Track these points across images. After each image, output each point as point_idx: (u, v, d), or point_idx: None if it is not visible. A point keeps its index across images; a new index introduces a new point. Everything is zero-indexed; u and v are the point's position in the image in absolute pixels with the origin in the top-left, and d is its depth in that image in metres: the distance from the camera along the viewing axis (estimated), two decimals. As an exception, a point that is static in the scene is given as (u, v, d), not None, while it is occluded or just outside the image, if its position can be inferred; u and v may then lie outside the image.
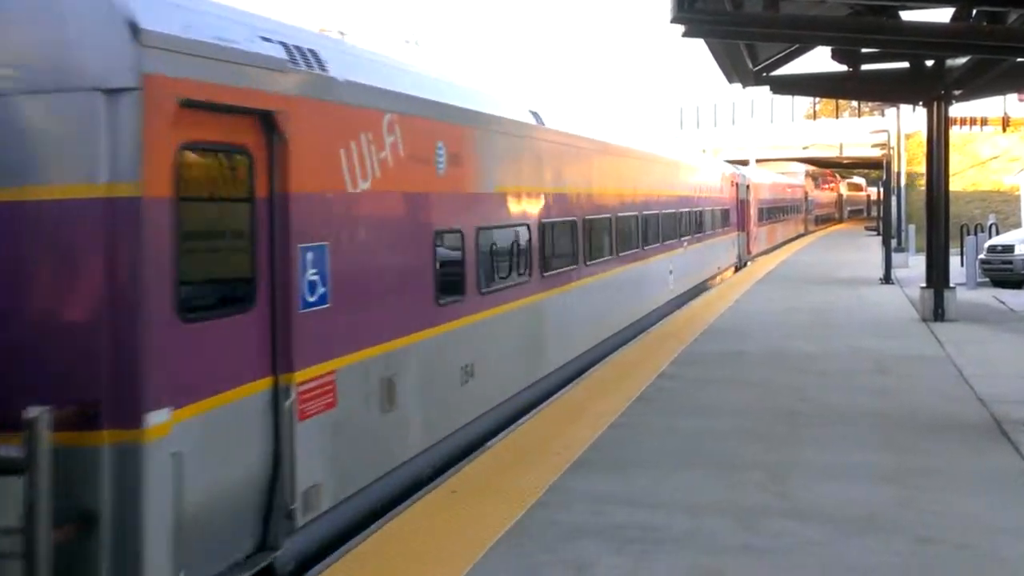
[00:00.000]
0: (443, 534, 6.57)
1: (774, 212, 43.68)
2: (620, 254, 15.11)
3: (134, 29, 4.81)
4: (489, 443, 9.01)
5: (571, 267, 12.47)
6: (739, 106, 64.17)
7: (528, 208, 10.81)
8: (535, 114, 11.44)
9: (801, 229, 56.48)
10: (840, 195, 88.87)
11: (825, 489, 7.55)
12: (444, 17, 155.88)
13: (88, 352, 4.78)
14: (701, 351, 14.41)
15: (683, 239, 21.05)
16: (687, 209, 21.54)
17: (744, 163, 51.07)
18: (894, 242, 30.57)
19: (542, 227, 11.16)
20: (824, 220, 73.35)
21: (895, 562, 6.07)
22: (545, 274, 11.31)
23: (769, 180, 44.03)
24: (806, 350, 14.43)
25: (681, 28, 11.85)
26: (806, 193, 59.96)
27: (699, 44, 14.09)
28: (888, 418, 9.97)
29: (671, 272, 19.67)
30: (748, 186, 34.04)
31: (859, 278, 27.08)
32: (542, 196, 11.23)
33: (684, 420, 9.94)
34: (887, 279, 25.53)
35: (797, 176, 58.90)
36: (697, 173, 24.17)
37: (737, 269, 30.85)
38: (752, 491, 7.52)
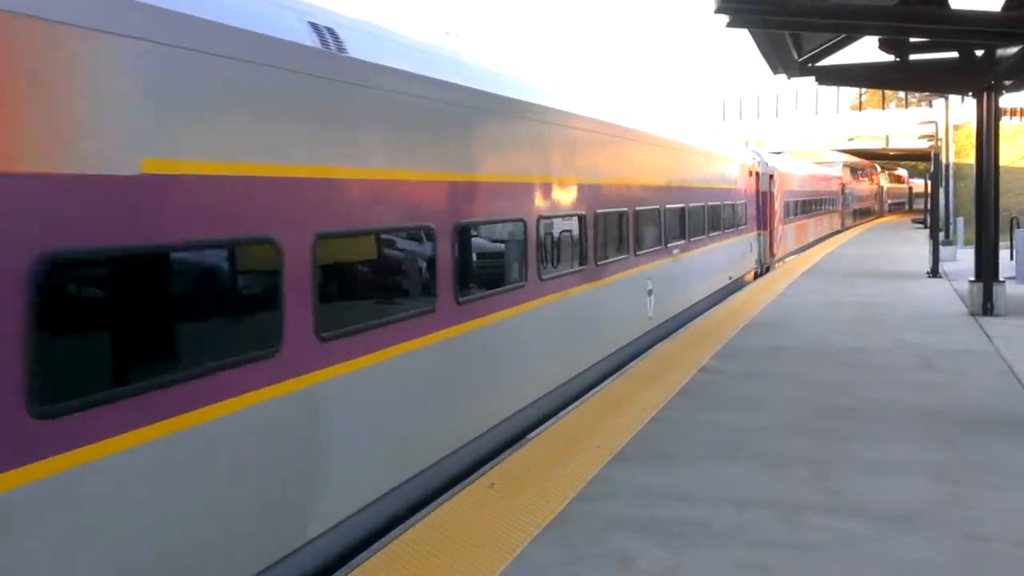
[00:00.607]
0: (483, 527, 6.57)
1: (805, 206, 38.38)
2: (544, 280, 9.93)
3: None
4: (529, 435, 9.01)
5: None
6: (783, 97, 63.57)
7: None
8: None
9: (837, 225, 51.59)
10: (880, 187, 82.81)
11: (871, 485, 7.46)
12: (483, 9, 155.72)
13: None
14: (743, 345, 14.29)
15: (672, 245, 15.95)
16: (680, 204, 16.54)
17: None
18: (942, 235, 30.11)
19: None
20: (863, 214, 67.79)
21: (942, 559, 5.98)
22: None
23: (799, 170, 38.33)
24: (851, 344, 14.26)
25: (725, 19, 11.74)
26: (843, 185, 55.13)
27: (743, 35, 13.94)
28: (935, 413, 9.82)
29: (650, 292, 14.58)
30: (772, 176, 28.65)
31: (906, 272, 26.70)
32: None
33: (727, 414, 9.87)
34: (934, 272, 25.14)
35: (833, 166, 54.70)
36: (698, 158, 18.54)
37: (757, 275, 26.43)
38: (796, 486, 7.45)
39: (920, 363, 12.72)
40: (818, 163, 51.11)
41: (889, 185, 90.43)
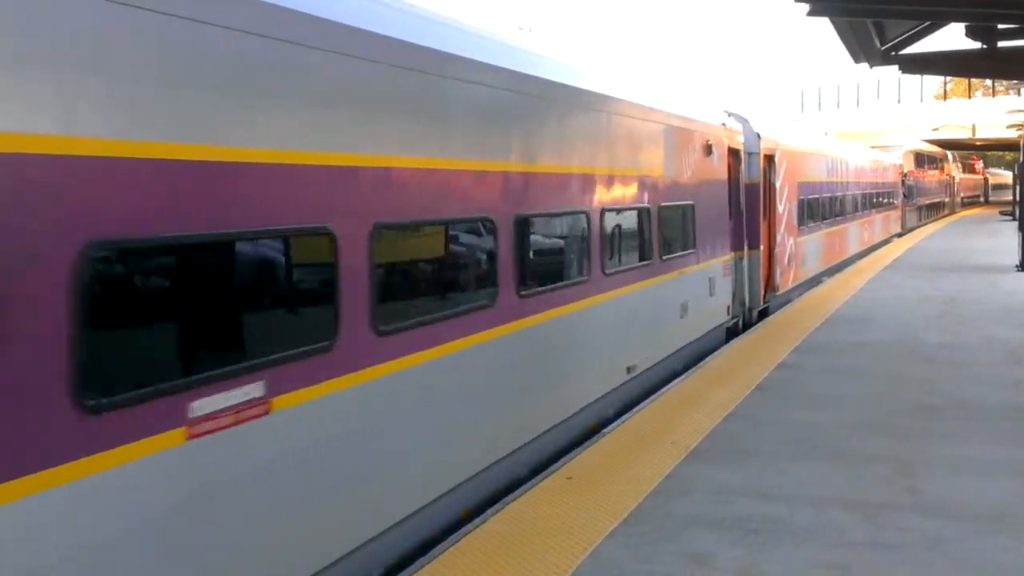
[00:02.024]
0: (559, 520, 6.58)
1: (837, 205, 25.96)
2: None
3: None
4: (605, 430, 8.99)
5: None
6: (864, 87, 62.25)
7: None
8: None
9: (895, 228, 40.35)
10: (952, 178, 68.09)
11: (955, 484, 7.27)
12: (558, 3, 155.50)
13: None
14: (823, 340, 14.04)
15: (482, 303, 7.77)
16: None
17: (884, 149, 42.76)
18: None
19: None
20: (931, 210, 55.75)
21: (1031, 563, 5.81)
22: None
23: (825, 149, 25.44)
24: (935, 340, 13.90)
25: (805, 7, 11.53)
26: (904, 176, 43.17)
27: (823, 23, 13.69)
28: (1023, 411, 9.54)
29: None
30: (770, 156, 17.59)
31: (993, 265, 25.92)
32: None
33: (805, 411, 9.71)
34: (1023, 266, 24.38)
35: (891, 153, 42.73)
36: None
37: (737, 331, 15.56)
38: (878, 485, 7.30)
39: (1008, 359, 12.34)
40: (874, 147, 41.24)
41: (962, 176, 75.39)
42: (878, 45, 16.45)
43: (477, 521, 6.57)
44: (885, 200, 37.01)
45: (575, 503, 6.92)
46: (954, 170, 69.14)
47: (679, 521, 6.56)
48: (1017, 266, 24.54)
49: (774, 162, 17.85)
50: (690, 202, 12.33)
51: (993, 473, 7.54)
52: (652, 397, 10.36)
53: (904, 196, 42.64)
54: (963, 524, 6.43)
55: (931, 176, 56.23)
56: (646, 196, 10.80)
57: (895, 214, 40.24)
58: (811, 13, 11.74)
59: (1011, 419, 9.24)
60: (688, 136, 12.43)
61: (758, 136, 16.73)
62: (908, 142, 50.83)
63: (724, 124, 14.71)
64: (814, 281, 22.18)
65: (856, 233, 29.78)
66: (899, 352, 12.96)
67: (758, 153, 16.66)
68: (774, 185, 17.82)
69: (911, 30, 16.20)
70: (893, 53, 17.13)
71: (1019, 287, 20.65)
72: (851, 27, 14.80)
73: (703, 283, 13.17)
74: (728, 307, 14.82)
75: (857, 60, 17.11)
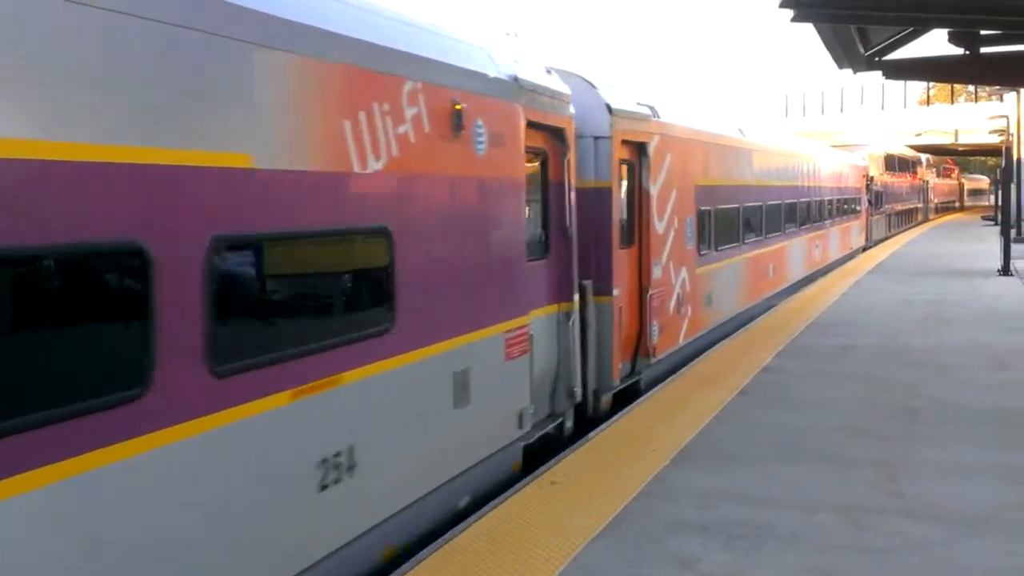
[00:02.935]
0: (544, 524, 6.56)
1: (771, 217, 19.21)
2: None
3: None
4: (590, 434, 8.98)
5: None
6: (848, 92, 62.57)
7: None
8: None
9: (858, 241, 33.50)
10: (925, 183, 60.11)
11: (940, 488, 7.29)
12: (540, 8, 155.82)
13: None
14: (807, 344, 14.07)
15: None
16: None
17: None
18: (1013, 232, 29.35)
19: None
20: (904, 218, 49.30)
21: (1014, 564, 5.81)
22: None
23: (746, 139, 17.70)
24: (919, 344, 13.96)
25: (790, 13, 11.57)
26: (869, 180, 36.23)
27: (807, 29, 13.75)
28: (1007, 415, 9.57)
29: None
30: (639, 145, 11.80)
31: (976, 269, 26.08)
32: None
33: (790, 415, 9.72)
34: (1006, 270, 24.53)
35: (855, 153, 35.59)
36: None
37: (560, 441, 9.31)
38: (863, 489, 7.31)
39: (992, 363, 12.40)
40: (835, 146, 34.49)
41: (937, 181, 67.68)
42: (862, 51, 16.55)
43: (461, 526, 6.54)
44: (847, 208, 30.28)
45: (560, 507, 6.89)
46: (928, 174, 61.61)
47: (664, 525, 6.55)
48: (999, 270, 24.69)
49: (647, 155, 11.75)
50: (378, 225, 6.15)
51: (977, 476, 7.56)
52: (637, 402, 10.35)
53: (869, 203, 36.15)
54: (948, 527, 6.44)
55: (902, 181, 49.21)
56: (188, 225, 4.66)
57: (858, 224, 33.63)
58: (795, 19, 11.79)
59: (995, 423, 9.27)
60: (370, 87, 6.07)
61: (608, 110, 10.70)
62: (875, 141, 44.66)
63: (518, 80, 8.16)
64: (735, 324, 16.02)
65: (801, 252, 22.86)
66: (883, 356, 13.00)
67: (608, 138, 10.66)
68: (647, 191, 11.76)
69: (894, 36, 16.30)
70: (876, 59, 17.24)
71: (1002, 291, 20.77)
72: (835, 33, 14.88)
73: (425, 391, 6.72)
74: (522, 413, 8.22)
75: (841, 66, 17.21)
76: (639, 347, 11.70)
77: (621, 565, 5.88)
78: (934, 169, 65.86)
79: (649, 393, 10.75)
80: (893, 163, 46.16)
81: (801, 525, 6.53)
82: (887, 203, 42.51)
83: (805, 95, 64.93)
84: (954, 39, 16.36)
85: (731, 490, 7.30)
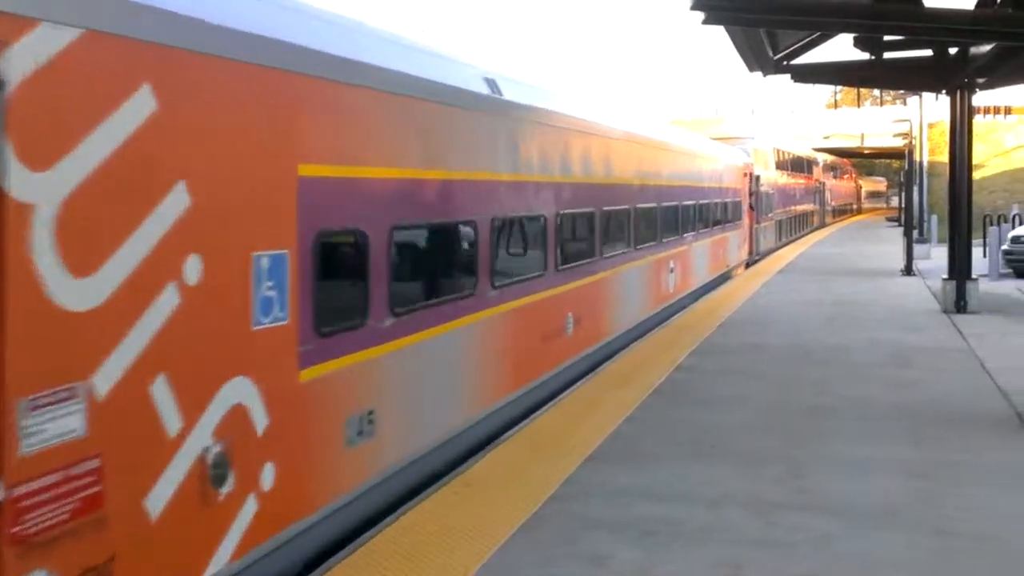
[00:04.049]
0: (458, 527, 6.52)
1: (557, 238, 11.03)
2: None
3: None
4: (505, 435, 8.97)
5: None
6: (759, 95, 63.84)
7: None
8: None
9: (736, 256, 26.83)
10: (821, 185, 54.44)
11: (845, 482, 7.46)
12: (448, 6, 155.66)
13: None
14: (720, 343, 14.30)
15: None
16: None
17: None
18: (916, 233, 30.29)
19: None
20: (797, 225, 43.10)
21: (915, 556, 5.98)
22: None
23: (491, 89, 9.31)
24: (827, 342, 14.30)
25: (701, 15, 11.74)
26: (754, 181, 30.01)
27: (719, 32, 13.97)
28: (910, 411, 9.86)
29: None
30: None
31: (880, 270, 26.85)
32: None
33: (702, 413, 9.86)
34: (908, 271, 25.30)
35: (737, 146, 29.29)
36: None
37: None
38: (771, 484, 7.44)
39: (895, 361, 12.76)
40: (716, 139, 27.64)
41: (833, 182, 62.32)
42: (771, 55, 16.87)
43: (373, 531, 6.46)
44: (720, 216, 23.55)
45: (474, 509, 6.86)
46: (825, 176, 56.25)
47: (578, 524, 6.57)
48: (903, 270, 25.45)
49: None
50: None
51: (882, 471, 7.76)
52: (553, 401, 10.38)
53: (751, 208, 29.42)
54: (852, 521, 6.60)
55: (795, 182, 43.15)
56: None
57: (738, 234, 26.89)
58: (706, 22, 11.95)
59: (898, 419, 9.54)
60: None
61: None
62: (763, 134, 38.75)
63: None
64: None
65: (639, 287, 15.37)
66: (793, 354, 13.28)
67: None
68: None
69: (802, 41, 16.66)
70: (785, 63, 17.59)
71: (904, 291, 21.43)
72: (745, 36, 15.13)
73: None
74: None
75: (751, 69, 17.51)
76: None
77: (533, 566, 5.88)
78: (831, 171, 61.76)
79: (565, 393, 10.79)
80: (785, 160, 40.15)
81: (710, 521, 6.62)
82: (778, 207, 36.80)
83: (719, 98, 66.09)
84: (859, 44, 16.80)
85: (644, 488, 7.37)
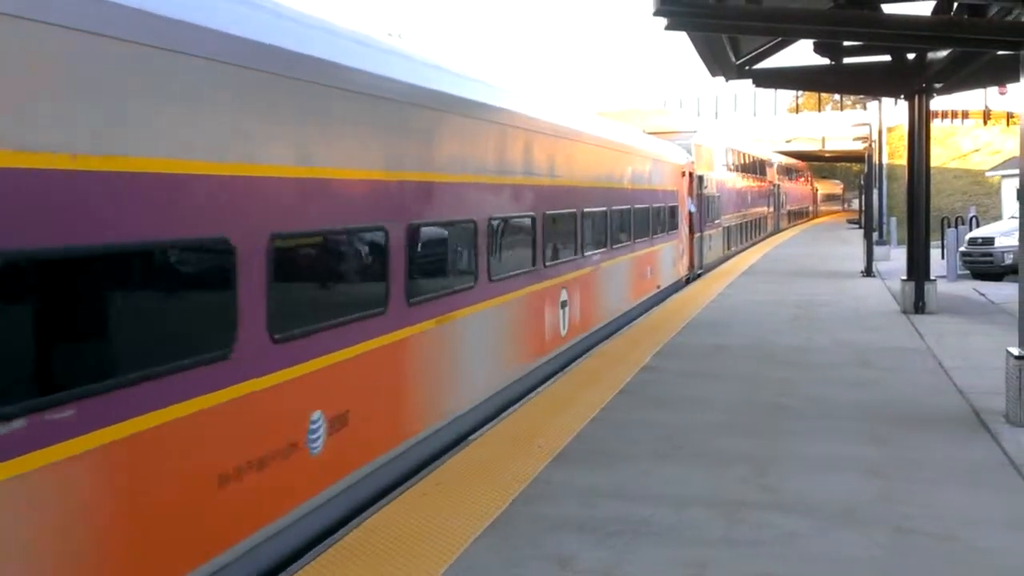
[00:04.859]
0: (426, 528, 6.55)
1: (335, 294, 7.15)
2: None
3: None
4: (474, 435, 9.01)
5: None
6: (723, 100, 64.46)
7: None
8: None
9: (672, 275, 22.70)
10: (775, 187, 49.74)
11: (808, 482, 7.58)
12: (420, 10, 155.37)
13: None
14: (685, 343, 14.43)
15: None
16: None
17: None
18: (875, 235, 30.72)
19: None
20: (748, 231, 39.43)
21: (876, 554, 6.10)
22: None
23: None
24: (789, 343, 14.48)
25: (664, 21, 11.85)
26: (696, 182, 25.99)
27: (682, 37, 14.10)
28: (870, 410, 10.02)
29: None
30: None
31: (841, 271, 27.20)
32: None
33: (668, 413, 9.96)
34: (868, 272, 25.64)
35: (674, 140, 25.20)
36: None
37: None
38: (735, 484, 7.54)
39: (856, 361, 12.96)
40: (653, 133, 23.99)
41: (788, 184, 58.03)
42: (733, 60, 17.04)
43: (344, 530, 6.48)
44: (650, 224, 19.66)
45: (442, 509, 6.90)
46: (778, 177, 51.42)
47: (545, 524, 6.63)
48: (863, 272, 25.80)
49: None
50: None
51: (843, 470, 7.89)
52: (522, 401, 10.44)
53: (691, 214, 25.37)
54: (815, 520, 6.71)
55: (747, 183, 39.02)
56: None
57: (674, 245, 22.98)
58: (668, 27, 12.06)
59: (859, 418, 9.70)
60: None
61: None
62: (707, 128, 33.67)
63: None
64: None
65: (528, 326, 11.60)
66: (756, 355, 13.44)
67: None
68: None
69: (764, 46, 16.85)
70: (747, 68, 17.77)
71: (864, 292, 21.73)
72: (707, 42, 15.29)
73: None
74: None
75: (714, 74, 17.68)
76: None
77: (500, 566, 5.92)
78: (786, 173, 57.28)
79: (535, 391, 10.85)
80: (734, 160, 35.52)
81: (675, 521, 6.70)
82: (726, 212, 32.46)
83: (682, 102, 66.55)
84: (819, 50, 17.02)
85: (610, 488, 7.44)
